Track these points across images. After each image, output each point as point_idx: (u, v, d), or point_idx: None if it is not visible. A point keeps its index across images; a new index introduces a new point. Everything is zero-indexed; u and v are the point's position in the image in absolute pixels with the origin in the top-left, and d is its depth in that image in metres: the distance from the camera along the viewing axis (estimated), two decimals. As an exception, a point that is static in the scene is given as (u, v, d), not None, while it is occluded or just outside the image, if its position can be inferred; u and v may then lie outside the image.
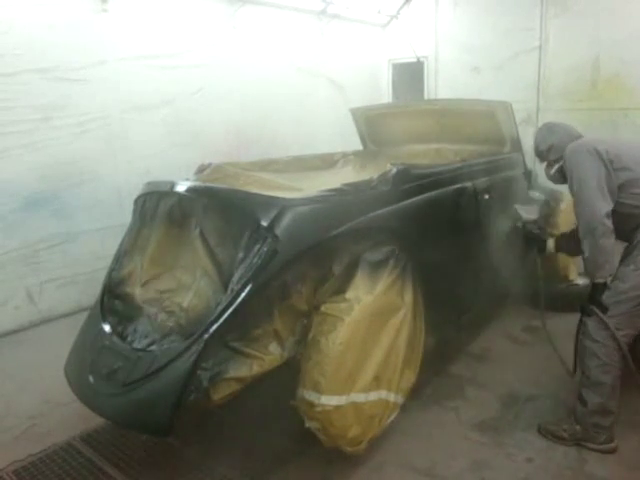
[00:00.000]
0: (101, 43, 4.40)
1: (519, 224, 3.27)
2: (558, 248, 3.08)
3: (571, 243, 2.82)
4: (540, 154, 2.78)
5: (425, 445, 2.62)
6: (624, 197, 2.45)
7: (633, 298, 2.39)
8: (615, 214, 2.41)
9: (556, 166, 2.70)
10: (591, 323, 2.46)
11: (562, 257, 3.82)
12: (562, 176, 2.69)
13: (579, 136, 2.73)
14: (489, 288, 3.51)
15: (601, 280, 2.44)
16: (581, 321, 2.56)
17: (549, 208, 3.79)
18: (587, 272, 2.51)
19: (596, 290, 2.45)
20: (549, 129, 2.80)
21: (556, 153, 2.67)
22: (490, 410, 2.88)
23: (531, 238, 3.26)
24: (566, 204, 3.96)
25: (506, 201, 3.58)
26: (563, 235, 3.09)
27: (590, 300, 2.47)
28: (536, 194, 3.29)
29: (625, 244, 2.55)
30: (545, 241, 3.14)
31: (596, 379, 2.45)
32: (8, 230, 4.00)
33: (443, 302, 2.97)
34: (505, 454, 2.54)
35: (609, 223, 2.38)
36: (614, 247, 2.42)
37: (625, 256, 2.50)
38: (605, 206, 2.39)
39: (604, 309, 2.41)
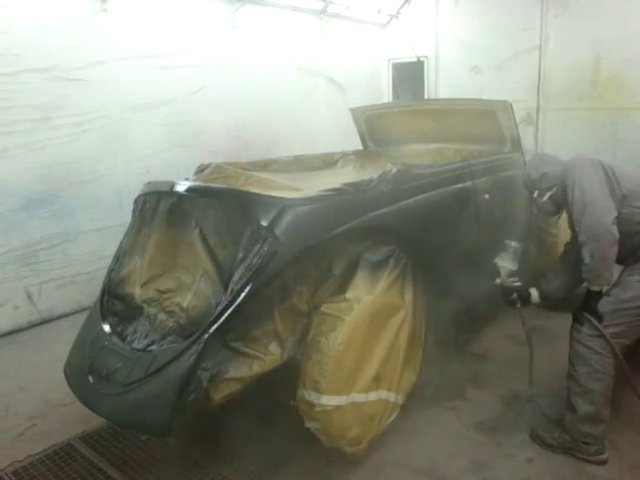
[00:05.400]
0: (101, 43, 4.39)
1: (498, 280, 2.85)
2: (545, 297, 2.80)
3: (559, 290, 2.72)
4: (533, 183, 2.71)
5: (425, 445, 2.61)
6: (627, 213, 2.40)
7: (633, 308, 2.36)
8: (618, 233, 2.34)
9: (548, 194, 2.65)
10: (585, 330, 2.41)
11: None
12: (554, 204, 2.67)
13: None
14: (489, 287, 3.50)
15: (597, 288, 2.40)
16: (573, 327, 2.50)
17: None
18: (585, 279, 2.44)
19: (591, 298, 2.41)
20: (540, 158, 2.84)
21: (548, 181, 2.63)
22: (490, 410, 2.88)
23: (512, 291, 2.82)
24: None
25: (506, 201, 3.59)
26: (548, 281, 2.82)
27: (584, 307, 2.43)
28: (512, 243, 2.86)
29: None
30: (529, 292, 2.82)
31: (587, 386, 2.40)
32: (8, 230, 3.99)
33: (443, 301, 2.96)
34: (506, 454, 2.53)
35: (615, 231, 2.32)
36: (615, 256, 2.36)
37: (626, 267, 2.48)
38: (612, 212, 2.34)
39: (599, 317, 2.37)
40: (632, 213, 2.41)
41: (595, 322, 2.37)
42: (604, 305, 2.39)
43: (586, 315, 2.40)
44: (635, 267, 2.43)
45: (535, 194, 2.72)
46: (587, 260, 2.36)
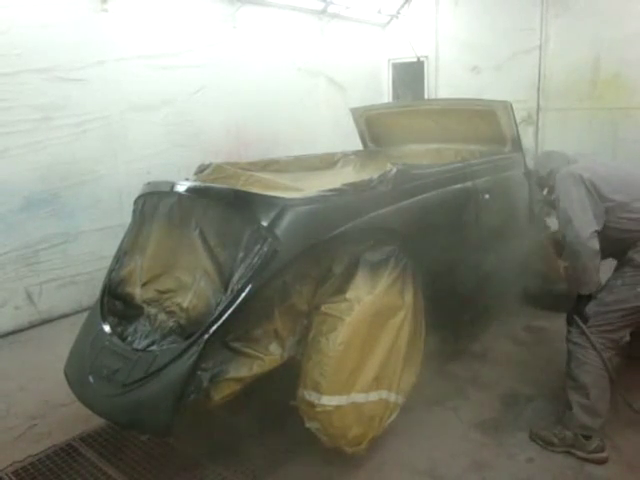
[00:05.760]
0: (101, 43, 4.39)
1: (553, 234, 3.30)
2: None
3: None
4: (541, 180, 2.85)
5: (426, 445, 2.61)
6: (613, 222, 2.50)
7: (617, 311, 2.45)
8: (605, 239, 2.46)
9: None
10: (573, 329, 2.55)
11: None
12: None
13: (575, 161, 2.80)
14: (489, 287, 3.51)
15: (585, 293, 2.52)
16: (567, 328, 2.64)
17: None
18: (571, 287, 2.60)
19: (580, 301, 2.53)
20: (547, 155, 2.93)
21: (554, 179, 2.71)
22: (491, 410, 2.88)
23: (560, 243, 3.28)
24: None
25: (507, 201, 3.58)
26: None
27: (573, 309, 2.56)
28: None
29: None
30: None
31: (578, 380, 2.49)
32: (8, 230, 3.99)
33: (443, 302, 2.96)
34: (506, 454, 2.53)
35: (593, 244, 2.41)
36: (598, 266, 2.46)
37: (615, 270, 2.59)
38: (590, 227, 2.43)
39: (585, 319, 2.49)
40: (618, 223, 2.51)
41: (580, 322, 2.49)
42: (590, 307, 2.50)
43: (574, 317, 2.54)
44: (620, 271, 2.54)
45: (545, 191, 2.83)
46: (570, 271, 2.55)
